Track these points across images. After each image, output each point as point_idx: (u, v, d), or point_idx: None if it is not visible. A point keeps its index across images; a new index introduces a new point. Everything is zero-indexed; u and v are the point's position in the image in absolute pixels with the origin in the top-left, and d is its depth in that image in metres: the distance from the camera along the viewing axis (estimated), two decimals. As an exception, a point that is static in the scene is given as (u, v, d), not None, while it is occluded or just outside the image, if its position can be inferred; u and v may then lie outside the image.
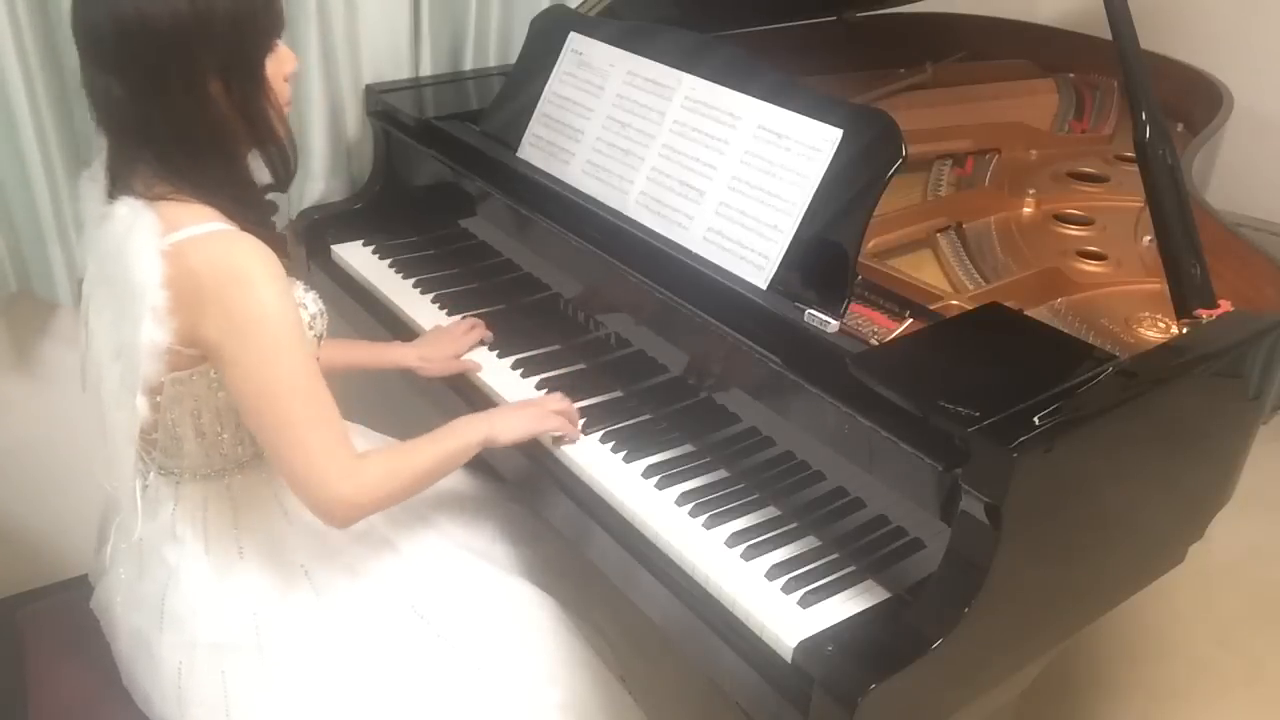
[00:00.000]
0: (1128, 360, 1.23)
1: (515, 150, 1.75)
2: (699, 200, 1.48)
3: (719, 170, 1.47)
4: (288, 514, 1.36)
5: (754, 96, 1.46)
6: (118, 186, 1.22)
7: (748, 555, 1.26)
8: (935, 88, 2.28)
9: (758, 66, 1.49)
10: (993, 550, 1.07)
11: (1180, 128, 2.06)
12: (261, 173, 1.29)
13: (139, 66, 1.14)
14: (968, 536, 1.09)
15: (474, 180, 1.74)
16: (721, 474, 1.39)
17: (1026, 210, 1.79)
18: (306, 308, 1.31)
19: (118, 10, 1.13)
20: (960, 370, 1.21)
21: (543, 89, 1.73)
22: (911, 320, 1.33)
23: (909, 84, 2.27)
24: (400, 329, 1.75)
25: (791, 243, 1.38)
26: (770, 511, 1.33)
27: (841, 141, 1.36)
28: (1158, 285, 1.45)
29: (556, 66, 1.72)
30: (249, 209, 1.24)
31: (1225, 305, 1.33)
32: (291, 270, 1.24)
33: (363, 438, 1.54)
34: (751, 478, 1.37)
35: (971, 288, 1.52)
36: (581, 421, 1.47)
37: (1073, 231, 1.74)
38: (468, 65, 2.12)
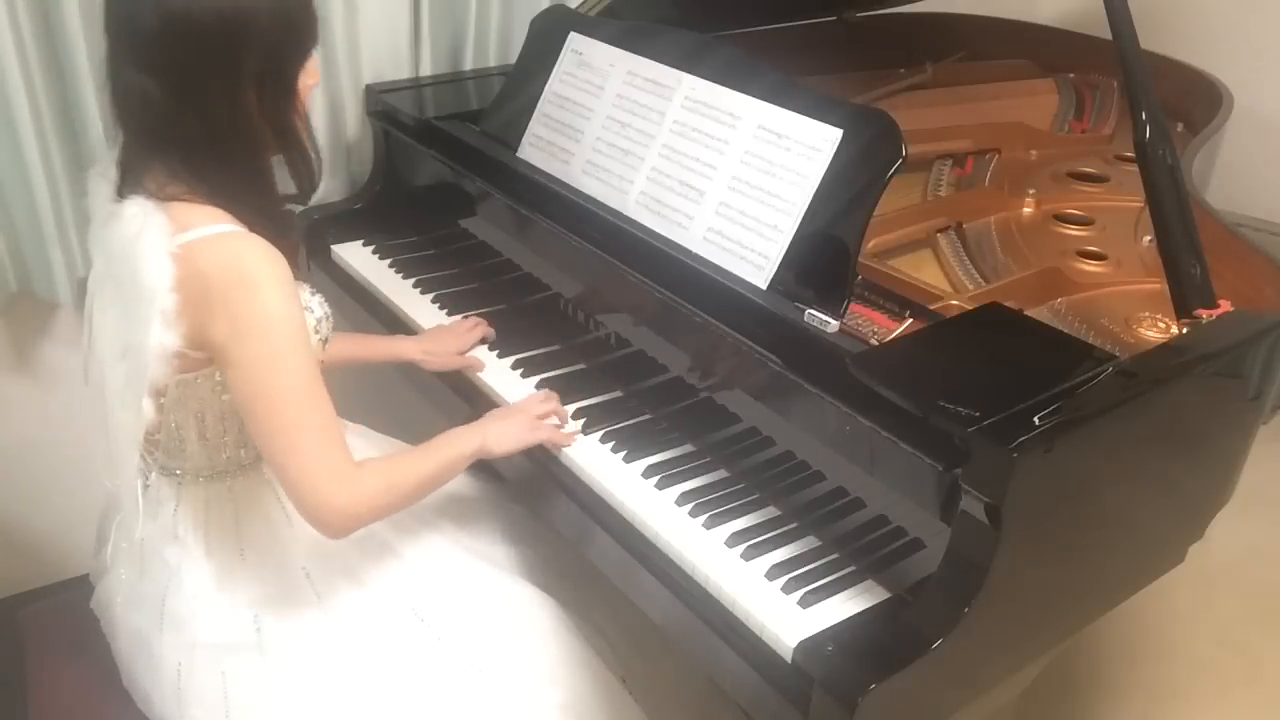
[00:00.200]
0: (1128, 360, 1.23)
1: (515, 150, 1.75)
2: (699, 200, 1.48)
3: (719, 170, 1.47)
4: (289, 517, 1.36)
5: (754, 96, 1.46)
6: (128, 185, 1.21)
7: (748, 555, 1.26)
8: (935, 88, 2.28)
9: (758, 66, 1.49)
10: (993, 550, 1.07)
11: (1180, 128, 2.06)
12: (285, 183, 1.29)
13: (180, 66, 1.14)
14: (968, 536, 1.09)
15: (474, 180, 1.74)
16: (721, 474, 1.39)
17: (1026, 210, 1.79)
18: (312, 311, 1.31)
19: (165, 7, 1.12)
20: (960, 370, 1.21)
21: (543, 89, 1.73)
22: (911, 320, 1.33)
23: (909, 84, 2.27)
24: (400, 329, 1.75)
25: (791, 243, 1.38)
26: (770, 511, 1.33)
27: (841, 141, 1.36)
28: (1158, 285, 1.45)
29: (556, 66, 1.72)
30: (269, 220, 1.24)
31: (1225, 305, 1.33)
32: (295, 273, 1.24)
33: (363, 439, 1.54)
34: (751, 478, 1.37)
35: (971, 288, 1.52)
36: (581, 421, 1.47)
37: (1073, 231, 1.74)
38: (468, 65, 2.12)
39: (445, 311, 1.75)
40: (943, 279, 1.57)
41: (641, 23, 1.68)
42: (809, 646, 1.13)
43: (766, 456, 1.36)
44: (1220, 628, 2.34)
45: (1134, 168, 1.39)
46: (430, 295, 1.79)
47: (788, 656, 1.14)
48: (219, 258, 1.16)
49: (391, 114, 1.93)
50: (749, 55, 1.52)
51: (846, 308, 1.32)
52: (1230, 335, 1.29)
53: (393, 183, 1.98)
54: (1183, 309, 1.32)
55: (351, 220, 1.97)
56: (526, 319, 1.71)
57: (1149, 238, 1.57)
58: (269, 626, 1.31)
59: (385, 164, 1.98)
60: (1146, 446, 1.25)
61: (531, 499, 1.53)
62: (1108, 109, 2.19)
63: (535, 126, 1.73)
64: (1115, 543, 1.29)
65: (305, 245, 1.95)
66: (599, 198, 1.60)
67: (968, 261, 1.60)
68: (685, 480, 1.38)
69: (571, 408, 1.50)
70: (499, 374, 1.60)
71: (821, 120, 1.39)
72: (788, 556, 1.26)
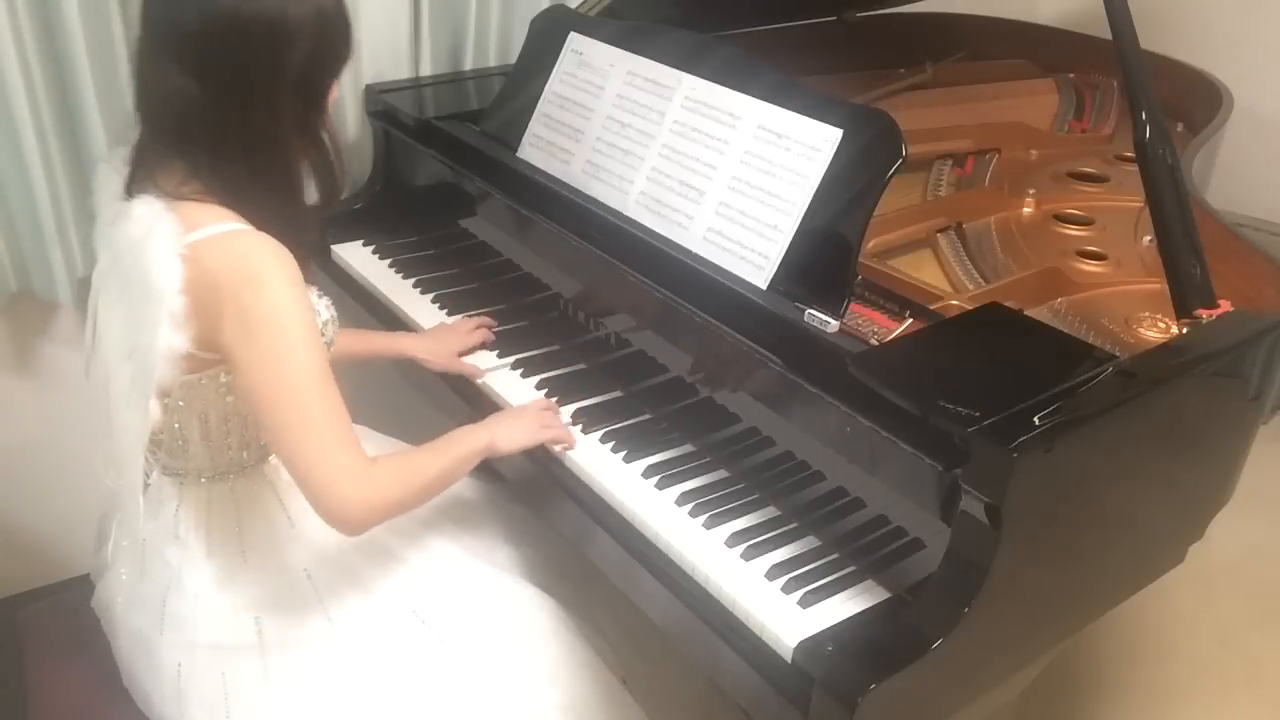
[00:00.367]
0: (1128, 360, 1.23)
1: (515, 150, 1.75)
2: (699, 200, 1.48)
3: (719, 170, 1.47)
4: (291, 519, 1.36)
5: (754, 96, 1.46)
6: (138, 183, 1.22)
7: (748, 555, 1.26)
8: (935, 88, 2.28)
9: (758, 66, 1.49)
10: (993, 550, 1.07)
11: (1180, 128, 2.06)
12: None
13: (223, 68, 1.14)
14: (968, 536, 1.09)
15: (474, 180, 1.74)
16: (721, 474, 1.39)
17: (1026, 210, 1.79)
18: (320, 314, 1.31)
19: (214, 9, 1.12)
20: (960, 370, 1.21)
21: (543, 89, 1.73)
22: (911, 320, 1.33)
23: (909, 84, 2.27)
24: (400, 329, 1.74)
25: (791, 243, 1.38)
26: (770, 511, 1.33)
27: (841, 141, 1.36)
28: (1158, 285, 1.45)
29: (556, 66, 1.72)
30: (293, 229, 1.24)
31: (1225, 305, 1.33)
32: (305, 277, 1.24)
33: (365, 439, 1.53)
34: (751, 478, 1.37)
35: (971, 288, 1.52)
36: (581, 422, 1.47)
37: (1073, 231, 1.74)
38: (468, 65, 2.12)
39: (445, 311, 1.75)
40: (943, 279, 1.57)
41: (641, 23, 1.68)
42: (809, 646, 1.13)
43: (766, 456, 1.36)
44: (1220, 628, 2.34)
45: (1134, 168, 1.39)
46: (430, 295, 1.79)
47: (788, 656, 1.14)
48: (226, 256, 1.15)
49: (391, 114, 1.93)
50: (749, 55, 1.52)
51: (846, 308, 1.32)
52: (1230, 335, 1.30)
53: (393, 183, 1.98)
54: (1183, 309, 1.32)
55: (351, 220, 1.96)
56: (526, 319, 1.71)
57: (1149, 238, 1.57)
58: (270, 628, 1.31)
59: (385, 164, 1.98)
60: (1146, 446, 1.25)
61: (532, 500, 1.53)
62: (1108, 109, 2.19)
63: (535, 126, 1.73)
64: (1115, 543, 1.29)
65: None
66: (599, 198, 1.60)
67: (968, 261, 1.60)
68: (685, 480, 1.38)
69: (571, 408, 1.50)
70: (499, 374, 1.60)
71: (821, 120, 1.39)
72: (788, 556, 1.26)
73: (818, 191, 1.37)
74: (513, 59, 1.92)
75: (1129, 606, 1.39)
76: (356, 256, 1.91)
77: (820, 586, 1.21)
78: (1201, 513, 1.41)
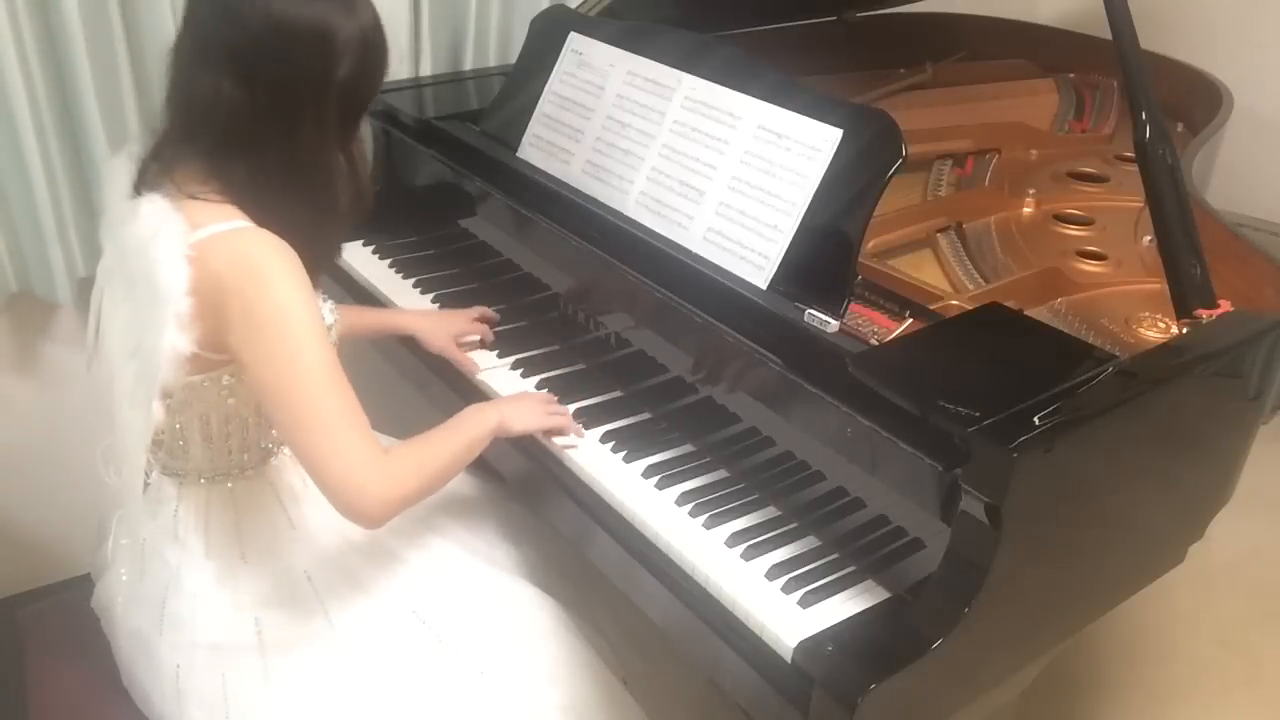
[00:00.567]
0: (1128, 360, 1.23)
1: (515, 150, 1.75)
2: (699, 200, 1.48)
3: (719, 170, 1.47)
4: (291, 520, 1.36)
5: (754, 96, 1.46)
6: (149, 179, 1.22)
7: (748, 555, 1.26)
8: (935, 88, 2.28)
9: (758, 66, 1.49)
10: (993, 550, 1.07)
11: (1180, 128, 2.06)
12: None
13: (274, 81, 1.15)
14: (968, 536, 1.09)
15: (474, 180, 1.74)
16: (721, 474, 1.39)
17: (1026, 210, 1.79)
18: (324, 318, 1.31)
19: (271, 18, 1.13)
20: (960, 370, 1.21)
21: (543, 89, 1.73)
22: (911, 320, 1.33)
23: (909, 84, 2.27)
24: (400, 329, 1.74)
25: (791, 243, 1.38)
26: (770, 511, 1.33)
27: (841, 141, 1.36)
28: (1158, 285, 1.45)
29: (556, 66, 1.72)
30: (317, 242, 1.25)
31: (1225, 305, 1.33)
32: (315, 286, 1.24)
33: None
34: (751, 478, 1.37)
35: (971, 288, 1.52)
36: (581, 422, 1.47)
37: (1073, 231, 1.74)
38: (468, 65, 2.12)
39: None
40: (943, 279, 1.57)
41: (641, 23, 1.68)
42: (809, 646, 1.13)
43: (766, 456, 1.36)
44: (1220, 628, 2.34)
45: (1134, 168, 1.39)
46: (430, 295, 1.79)
47: (788, 656, 1.14)
48: (229, 255, 1.15)
49: (391, 114, 1.93)
50: (749, 55, 1.52)
51: (846, 308, 1.32)
52: (1230, 335, 1.30)
53: (393, 183, 1.98)
54: (1183, 309, 1.32)
55: (351, 220, 1.96)
56: (526, 319, 1.71)
57: (1149, 238, 1.57)
58: (270, 628, 1.31)
59: (385, 164, 1.98)
60: (1146, 446, 1.25)
61: (532, 499, 1.53)
62: (1108, 109, 2.19)
63: (535, 126, 1.73)
64: (1115, 543, 1.29)
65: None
66: (599, 198, 1.60)
67: (968, 261, 1.60)
68: (685, 480, 1.38)
69: (571, 408, 1.50)
70: (499, 374, 1.60)
71: (821, 120, 1.39)
72: (788, 556, 1.26)
73: (818, 191, 1.37)
74: (513, 59, 1.92)
75: (1129, 606, 1.39)
76: (356, 256, 1.91)
77: (820, 586, 1.21)
78: (1201, 513, 1.41)
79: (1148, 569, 1.39)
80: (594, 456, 1.42)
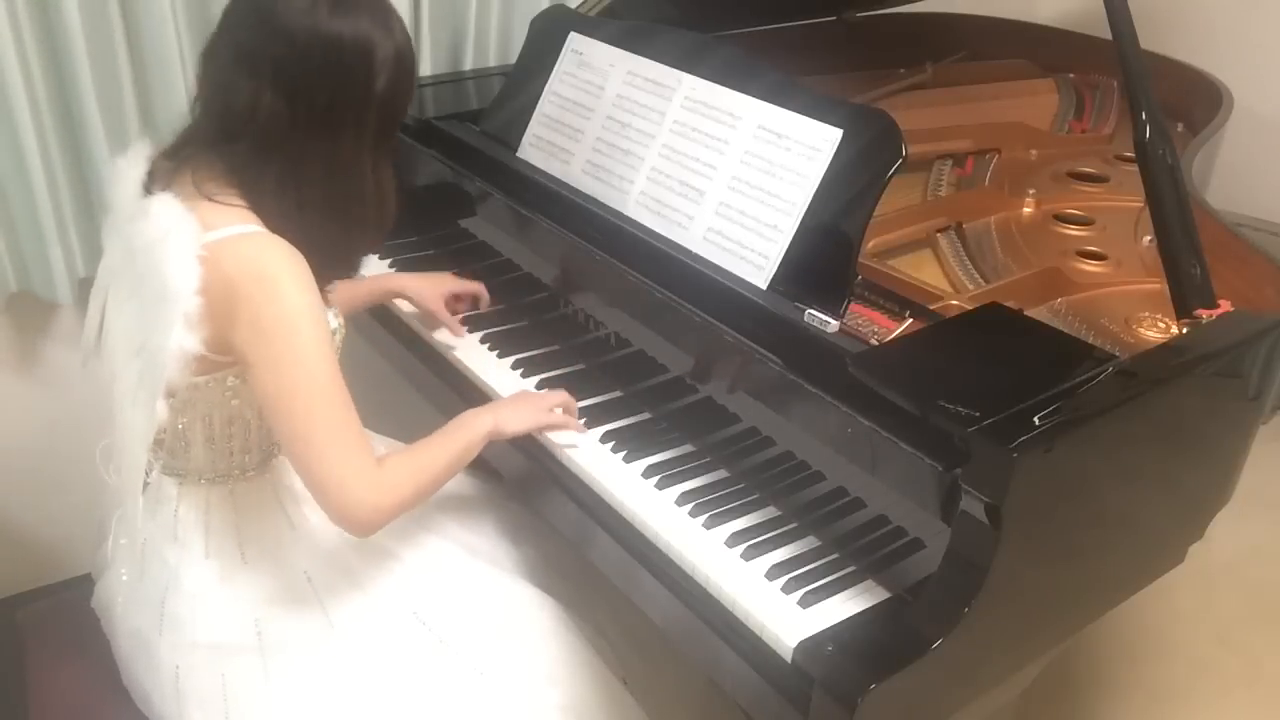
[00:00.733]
0: (1128, 360, 1.23)
1: (515, 150, 1.75)
2: (699, 200, 1.48)
3: (719, 170, 1.47)
4: (291, 521, 1.36)
5: (754, 96, 1.46)
6: (159, 180, 1.22)
7: (748, 555, 1.26)
8: (935, 88, 2.28)
9: (758, 66, 1.49)
10: (993, 550, 1.07)
11: (1180, 128, 2.06)
12: None
13: (317, 94, 1.16)
14: (968, 536, 1.09)
15: (474, 180, 1.74)
16: (721, 474, 1.39)
17: (1026, 210, 1.79)
18: (329, 323, 1.31)
19: (315, 32, 1.14)
20: (960, 370, 1.21)
21: (543, 89, 1.73)
22: (911, 320, 1.33)
23: (909, 84, 2.27)
24: (400, 328, 1.75)
25: (791, 243, 1.38)
26: (770, 511, 1.33)
27: (841, 141, 1.36)
28: (1158, 285, 1.45)
29: (556, 66, 1.72)
30: (339, 254, 1.27)
31: (1225, 305, 1.33)
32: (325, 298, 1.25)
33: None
34: (751, 478, 1.37)
35: (971, 288, 1.52)
36: (581, 421, 1.47)
37: (1073, 231, 1.74)
38: (468, 65, 2.12)
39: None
40: (943, 279, 1.57)
41: (641, 23, 1.68)
42: (809, 646, 1.13)
43: (766, 456, 1.36)
44: (1220, 628, 2.34)
45: (1134, 168, 1.39)
46: (430, 295, 1.79)
47: (788, 656, 1.14)
48: (241, 259, 1.16)
49: (391, 114, 1.92)
50: (749, 55, 1.52)
51: (846, 308, 1.32)
52: (1230, 335, 1.30)
53: (393, 183, 1.98)
54: (1183, 309, 1.32)
55: (351, 220, 1.96)
56: (526, 319, 1.71)
57: (1149, 238, 1.57)
58: (270, 629, 1.31)
59: (385, 164, 1.98)
60: (1146, 447, 1.25)
61: (531, 498, 1.53)
62: (1108, 109, 2.19)
63: (535, 126, 1.73)
64: (1115, 543, 1.29)
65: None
66: (599, 198, 1.60)
67: (968, 261, 1.60)
68: (685, 480, 1.38)
69: (572, 408, 1.50)
70: (499, 374, 1.60)
71: (821, 120, 1.39)
72: (788, 556, 1.26)
73: (818, 191, 1.37)
74: (513, 59, 1.92)
75: (1129, 606, 1.39)
76: (356, 256, 1.91)
77: (820, 586, 1.21)
78: (1201, 513, 1.41)
79: (1148, 569, 1.39)
80: (594, 456, 1.42)
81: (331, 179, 1.21)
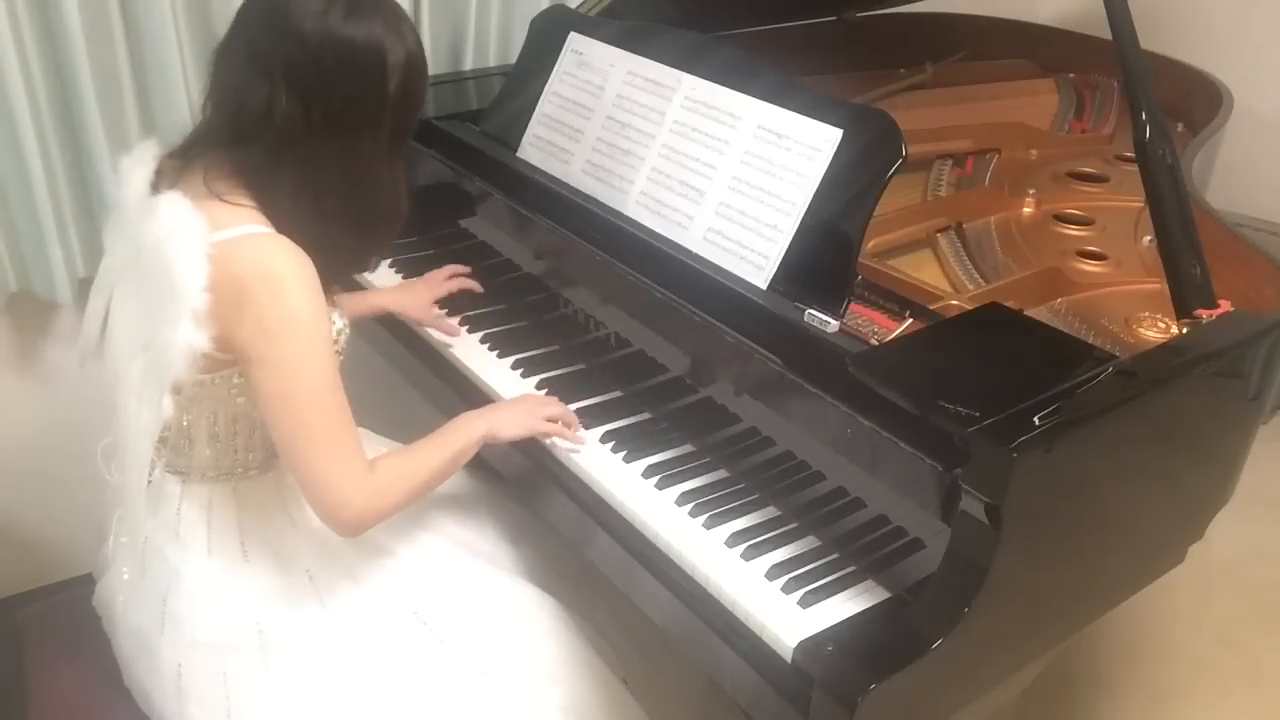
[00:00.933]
0: (1128, 360, 1.23)
1: (515, 150, 1.75)
2: (699, 200, 1.48)
3: (719, 170, 1.47)
4: (293, 520, 1.36)
5: (754, 96, 1.46)
6: (167, 179, 1.22)
7: (748, 555, 1.26)
8: (935, 88, 2.28)
9: (758, 66, 1.49)
10: (993, 550, 1.07)
11: (1180, 128, 2.06)
12: None
13: (332, 98, 1.16)
14: (968, 536, 1.09)
15: (474, 180, 1.74)
16: (721, 474, 1.39)
17: (1026, 210, 1.79)
18: (334, 323, 1.31)
19: (329, 36, 1.14)
20: (960, 370, 1.21)
21: (543, 89, 1.73)
22: (911, 320, 1.33)
23: (909, 84, 2.27)
24: (400, 329, 1.75)
25: (791, 243, 1.38)
26: (770, 511, 1.33)
27: (841, 141, 1.36)
28: (1158, 285, 1.45)
29: (556, 66, 1.72)
30: (348, 256, 1.28)
31: (1225, 305, 1.33)
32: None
33: (366, 443, 1.53)
34: (751, 478, 1.37)
35: (971, 288, 1.52)
36: (581, 422, 1.47)
37: (1073, 231, 1.74)
38: (468, 65, 2.12)
39: (445, 311, 1.74)
40: (943, 279, 1.57)
41: (641, 23, 1.68)
42: (809, 646, 1.13)
43: (766, 456, 1.36)
44: (1220, 628, 2.34)
45: (1134, 168, 1.39)
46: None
47: (788, 656, 1.14)
48: (249, 259, 1.16)
49: (391, 114, 1.92)
50: (749, 55, 1.52)
51: (846, 308, 1.32)
52: (1230, 335, 1.29)
53: (393, 183, 1.98)
54: (1183, 309, 1.32)
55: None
56: (526, 319, 1.71)
57: (1149, 238, 1.57)
58: (271, 628, 1.31)
59: (385, 164, 1.98)
60: (1146, 447, 1.25)
61: (531, 498, 1.53)
62: (1108, 109, 2.19)
63: (535, 126, 1.73)
64: (1115, 543, 1.29)
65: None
66: (599, 198, 1.60)
67: (968, 261, 1.60)
68: (685, 480, 1.38)
69: (572, 408, 1.49)
70: (499, 374, 1.60)
71: (821, 120, 1.39)
72: (788, 556, 1.26)
73: (818, 191, 1.37)
74: (513, 59, 1.92)
75: (1129, 606, 1.39)
76: (356, 256, 1.91)
77: (820, 586, 1.21)
78: (1201, 513, 1.41)
79: (1148, 569, 1.39)
80: (594, 456, 1.42)
81: (348, 182, 1.22)
